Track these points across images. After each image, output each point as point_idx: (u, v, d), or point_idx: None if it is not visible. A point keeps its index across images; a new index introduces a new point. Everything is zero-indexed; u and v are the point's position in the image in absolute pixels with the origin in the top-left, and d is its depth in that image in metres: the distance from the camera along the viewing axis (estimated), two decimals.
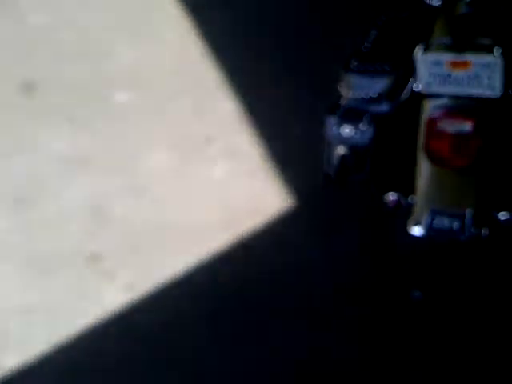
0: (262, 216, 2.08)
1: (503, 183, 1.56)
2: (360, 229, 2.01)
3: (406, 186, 1.68)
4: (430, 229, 1.57)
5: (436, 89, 1.49)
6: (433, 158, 1.50)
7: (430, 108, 1.54)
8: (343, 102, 1.80)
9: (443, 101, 1.51)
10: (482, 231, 1.55)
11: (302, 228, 2.05)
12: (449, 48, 1.44)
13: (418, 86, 1.51)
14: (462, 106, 1.49)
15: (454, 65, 1.44)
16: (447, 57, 1.43)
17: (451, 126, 1.48)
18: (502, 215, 1.55)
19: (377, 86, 1.69)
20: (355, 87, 1.75)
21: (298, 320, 1.86)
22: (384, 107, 1.68)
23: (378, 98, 1.70)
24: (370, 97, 1.71)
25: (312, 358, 1.78)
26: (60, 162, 2.33)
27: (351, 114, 1.72)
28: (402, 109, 1.64)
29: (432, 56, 1.44)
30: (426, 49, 1.46)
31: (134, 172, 2.28)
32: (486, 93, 1.44)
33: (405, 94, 1.61)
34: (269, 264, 1.98)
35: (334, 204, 2.06)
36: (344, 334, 1.81)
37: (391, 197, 1.68)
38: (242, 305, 1.89)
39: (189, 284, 1.97)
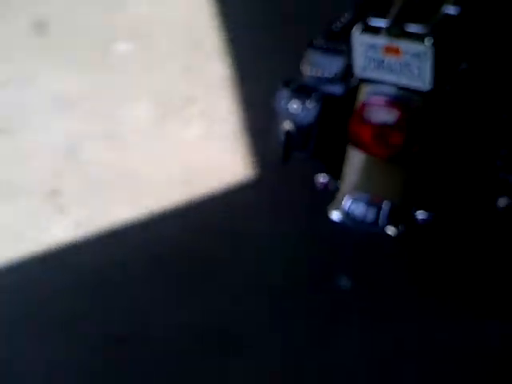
0: (220, 181, 2.10)
1: (427, 181, 1.52)
2: (307, 212, 2.01)
3: (340, 170, 1.67)
4: (346, 215, 1.55)
5: (370, 74, 1.45)
6: (355, 143, 1.47)
7: (364, 93, 1.52)
8: (301, 78, 1.80)
9: (379, 88, 1.49)
10: (398, 227, 1.53)
11: (254, 200, 2.07)
12: (383, 31, 1.40)
13: (355, 69, 1.49)
14: (393, 96, 1.46)
15: (388, 50, 1.39)
16: (382, 41, 1.39)
17: (377, 115, 1.44)
18: (421, 214, 1.51)
19: (334, 66, 1.67)
20: (315, 65, 1.73)
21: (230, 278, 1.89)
22: (336, 89, 1.66)
23: (333, 79, 1.69)
24: (326, 77, 1.71)
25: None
26: (48, 100, 2.42)
27: (302, 91, 1.71)
28: (352, 92, 1.63)
29: (367, 38, 1.41)
30: (364, 30, 1.43)
31: (114, 120, 2.33)
32: (415, 84, 1.40)
33: (355, 79, 1.59)
34: (214, 226, 2.00)
35: (288, 182, 2.06)
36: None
37: (321, 179, 1.67)
38: (178, 258, 1.92)
39: (133, 233, 2.01)
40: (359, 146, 1.47)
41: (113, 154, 2.25)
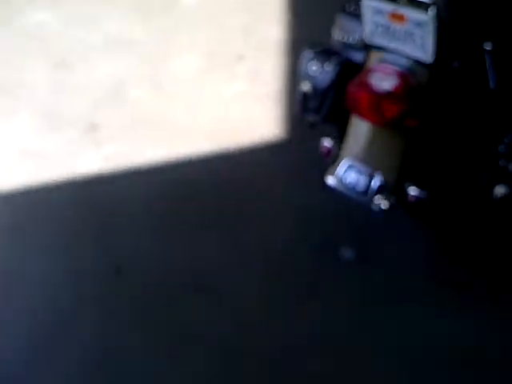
0: (250, 138, 2.13)
1: (424, 158, 1.47)
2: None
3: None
4: (339, 181, 1.54)
5: (377, 39, 1.43)
6: (352, 106, 1.45)
7: (373, 59, 1.49)
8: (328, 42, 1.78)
9: (389, 57, 1.45)
10: (388, 200, 1.50)
11: (277, 161, 2.08)
12: None
13: (364, 34, 1.46)
14: (400, 67, 1.42)
15: (393, 17, 1.37)
16: (388, 7, 1.37)
17: (379, 82, 1.42)
18: (413, 190, 1.47)
19: (359, 32, 1.65)
20: (342, 30, 1.72)
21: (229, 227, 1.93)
22: (357, 55, 1.64)
23: (356, 45, 1.67)
24: (350, 42, 1.69)
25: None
26: (108, 41, 2.54)
27: (324, 54, 1.70)
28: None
29: (374, 3, 1.39)
30: None
31: (163, 67, 2.42)
32: (418, 54, 1.36)
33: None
34: (234, 179, 2.03)
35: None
36: None
37: (326, 143, 1.66)
38: (194, 202, 1.98)
39: (159, 173, 2.08)
40: (355, 109, 1.46)
41: (155, 98, 2.34)
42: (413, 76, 1.39)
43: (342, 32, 1.72)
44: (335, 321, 1.68)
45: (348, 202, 1.64)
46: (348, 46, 1.68)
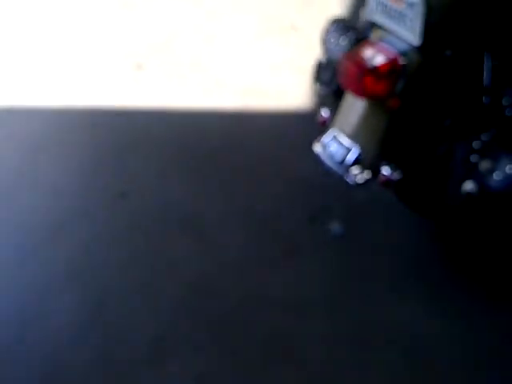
0: (280, 106, 2.21)
1: (402, 140, 1.47)
2: None
3: None
4: (323, 150, 1.58)
5: (376, 18, 1.46)
6: (340, 75, 1.48)
7: (373, 36, 1.50)
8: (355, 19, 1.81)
9: (390, 37, 1.47)
10: (362, 175, 1.52)
11: (299, 132, 2.13)
12: None
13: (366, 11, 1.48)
14: (395, 48, 1.43)
15: None
16: None
17: (369, 58, 1.43)
18: (385, 170, 1.48)
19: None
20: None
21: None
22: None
23: None
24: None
25: None
26: None
27: (344, 29, 1.73)
28: None
29: None
30: None
31: (218, 24, 2.55)
32: (406, 35, 1.37)
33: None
34: (247, 142, 2.12)
35: None
36: None
37: (323, 113, 1.69)
38: (200, 156, 2.09)
39: (191, 119, 2.21)
40: (342, 79, 1.49)
41: (204, 51, 2.46)
42: (403, 59, 1.41)
43: (367, 10, 1.75)
44: (305, 283, 1.73)
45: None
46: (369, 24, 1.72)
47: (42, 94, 2.34)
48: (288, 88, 2.27)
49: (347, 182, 1.62)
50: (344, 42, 1.68)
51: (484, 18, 1.39)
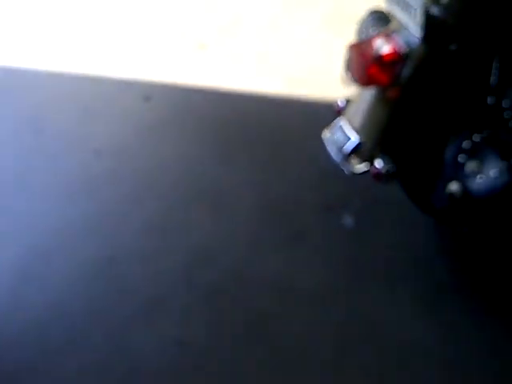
0: (314, 88, 2.22)
1: (399, 134, 1.43)
2: None
3: None
4: (329, 137, 1.57)
5: (392, 6, 1.43)
6: (346, 60, 1.46)
7: (391, 26, 1.47)
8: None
9: (403, 29, 1.42)
10: (359, 166, 1.49)
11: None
12: None
13: None
14: (403, 39, 1.39)
15: None
16: None
17: (377, 47, 1.41)
18: (378, 163, 1.45)
19: None
20: None
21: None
22: None
23: None
24: None
25: None
26: None
27: (378, 20, 1.70)
28: None
29: None
30: None
31: (284, 15, 2.57)
32: (410, 25, 1.33)
33: None
34: (277, 125, 2.15)
35: None
36: None
37: (339, 102, 1.67)
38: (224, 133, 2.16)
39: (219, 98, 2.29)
40: (348, 67, 1.47)
41: (266, 36, 2.49)
42: (407, 50, 1.37)
43: None
44: (303, 270, 1.75)
45: None
46: None
47: (107, 65, 2.48)
48: (324, 70, 2.26)
49: (369, 177, 1.63)
50: (374, 33, 1.66)
51: (493, 14, 1.33)
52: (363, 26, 1.77)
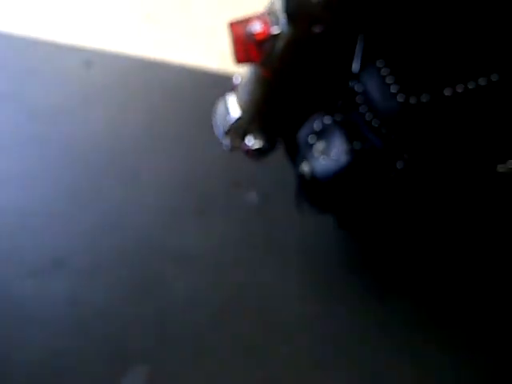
0: None
1: (270, 111, 1.44)
2: None
3: None
4: (216, 112, 1.60)
5: None
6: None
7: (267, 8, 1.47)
8: None
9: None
10: (231, 141, 1.52)
11: None
12: None
13: None
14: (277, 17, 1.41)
15: None
16: None
17: (248, 26, 1.41)
18: (248, 140, 1.49)
19: None
20: None
21: None
22: None
23: None
24: None
25: None
26: None
27: None
28: None
29: None
30: None
31: None
32: (278, 5, 1.33)
33: None
34: None
35: None
36: None
37: (234, 79, 1.67)
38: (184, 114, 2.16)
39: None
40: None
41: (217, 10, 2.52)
42: (276, 30, 1.38)
43: None
44: (200, 239, 1.80)
45: None
46: None
47: (50, 29, 2.48)
48: None
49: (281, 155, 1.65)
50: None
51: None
52: None
